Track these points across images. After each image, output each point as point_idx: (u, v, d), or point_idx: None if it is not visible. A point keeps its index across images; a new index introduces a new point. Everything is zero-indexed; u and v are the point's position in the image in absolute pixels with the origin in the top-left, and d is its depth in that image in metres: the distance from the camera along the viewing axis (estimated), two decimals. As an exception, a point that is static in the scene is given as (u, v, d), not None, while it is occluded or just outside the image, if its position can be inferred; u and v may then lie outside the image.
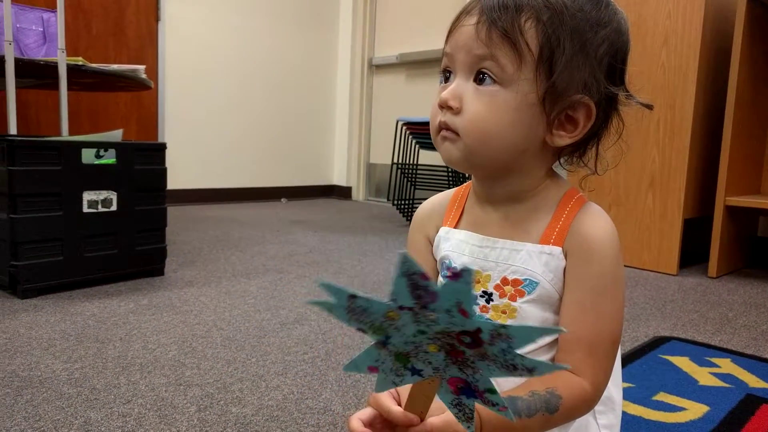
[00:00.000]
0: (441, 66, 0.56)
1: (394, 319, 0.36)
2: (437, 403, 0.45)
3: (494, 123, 0.51)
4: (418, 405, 0.44)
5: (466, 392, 0.39)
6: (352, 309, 0.36)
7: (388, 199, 3.19)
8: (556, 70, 0.50)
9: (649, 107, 0.57)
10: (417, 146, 2.96)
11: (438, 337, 0.36)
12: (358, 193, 4.08)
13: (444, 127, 0.53)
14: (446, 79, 0.55)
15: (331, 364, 1.08)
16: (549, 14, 0.50)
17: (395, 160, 3.01)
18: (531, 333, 0.34)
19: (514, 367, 0.35)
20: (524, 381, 0.53)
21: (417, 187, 3.02)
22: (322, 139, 4.11)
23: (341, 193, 4.14)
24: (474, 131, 0.52)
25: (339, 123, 4.13)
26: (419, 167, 2.99)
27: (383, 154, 3.80)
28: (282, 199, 3.82)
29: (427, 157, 2.99)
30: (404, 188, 3.03)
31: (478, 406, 0.48)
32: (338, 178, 4.18)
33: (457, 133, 0.52)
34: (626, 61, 0.57)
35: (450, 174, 2.85)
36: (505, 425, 0.48)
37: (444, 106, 0.53)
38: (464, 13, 0.54)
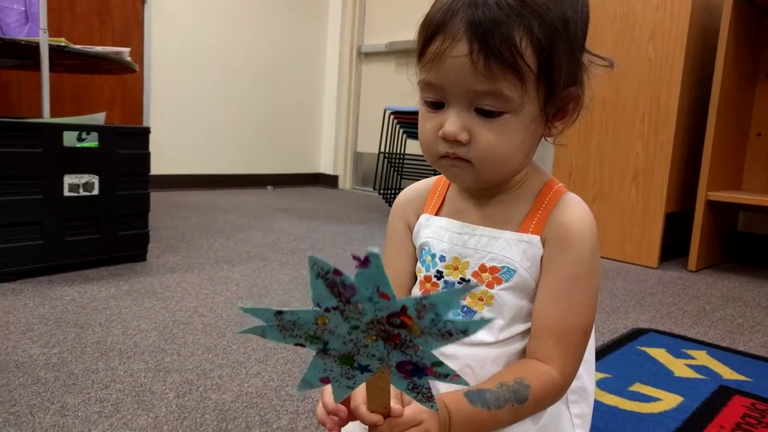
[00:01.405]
0: (422, 93, 0.52)
1: (326, 324, 0.36)
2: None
3: (508, 146, 0.51)
4: (378, 400, 0.44)
5: (417, 373, 0.39)
6: (283, 326, 0.37)
7: (374, 188, 3.19)
8: (554, 78, 0.50)
9: (611, 65, 0.56)
10: (404, 135, 2.96)
11: (371, 327, 0.36)
12: (345, 182, 4.07)
13: (453, 156, 0.52)
14: (433, 106, 0.52)
15: (313, 351, 1.08)
16: (537, 21, 0.47)
17: (382, 149, 3.01)
18: (451, 296, 0.34)
19: (449, 333, 0.36)
20: (493, 374, 0.54)
21: (403, 176, 3.02)
22: (310, 126, 4.08)
23: (328, 181, 4.13)
24: (489, 160, 0.51)
25: (327, 111, 4.11)
26: (406, 157, 2.98)
27: (371, 143, 3.79)
28: (268, 187, 3.80)
29: (414, 147, 2.99)
30: (391, 177, 3.03)
31: (447, 401, 0.48)
32: (325, 167, 4.17)
33: (468, 161, 0.51)
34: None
35: (437, 164, 2.85)
36: (474, 418, 0.49)
37: (452, 140, 0.50)
38: (444, 34, 0.48)
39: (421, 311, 0.35)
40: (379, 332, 0.36)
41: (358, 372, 0.40)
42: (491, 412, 0.49)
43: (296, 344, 0.38)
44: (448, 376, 0.39)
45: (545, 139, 0.58)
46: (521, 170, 0.56)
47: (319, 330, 0.37)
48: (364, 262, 0.32)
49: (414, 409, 0.45)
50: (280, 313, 0.35)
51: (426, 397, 0.41)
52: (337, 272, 0.33)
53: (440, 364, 0.38)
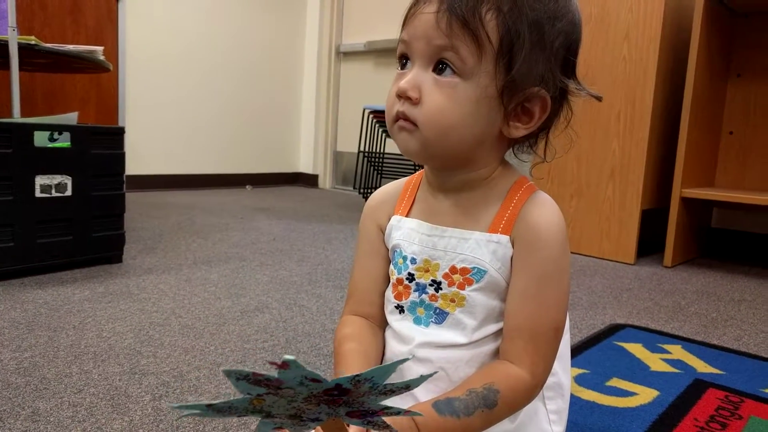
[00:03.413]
0: (397, 52, 0.55)
1: (263, 403, 0.36)
2: None
3: (453, 115, 0.51)
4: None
5: (368, 416, 0.39)
6: (219, 410, 0.36)
7: (354, 188, 3.18)
8: (515, 63, 0.50)
9: (599, 99, 0.57)
10: (383, 134, 2.96)
11: (309, 399, 0.36)
12: (325, 181, 4.05)
13: (402, 117, 0.53)
14: (403, 66, 0.55)
15: (291, 351, 1.07)
16: (509, 5, 0.50)
17: (362, 149, 3.00)
18: (386, 370, 0.35)
19: (391, 391, 0.36)
20: (463, 380, 0.54)
21: (383, 175, 3.02)
22: (289, 125, 4.06)
23: (307, 180, 4.11)
24: (433, 123, 0.51)
25: (305, 110, 4.09)
26: (385, 156, 2.98)
27: (350, 142, 3.79)
28: (247, 187, 3.77)
29: (393, 146, 2.98)
30: (370, 176, 3.02)
31: (416, 417, 0.48)
32: (304, 166, 4.15)
33: (415, 124, 0.52)
34: (578, 53, 0.57)
35: (415, 163, 2.85)
36: (443, 429, 0.49)
37: (403, 96, 0.52)
38: (422, 1, 0.53)
39: (357, 384, 0.35)
40: (320, 401, 0.37)
41: (309, 421, 0.40)
42: (461, 420, 0.50)
43: (238, 416, 0.37)
44: (400, 413, 0.39)
45: (513, 154, 0.59)
46: (474, 156, 0.55)
47: (257, 407, 0.37)
48: (283, 366, 0.32)
49: None
50: (210, 405, 0.35)
51: (383, 426, 0.41)
52: (256, 374, 0.33)
53: (389, 407, 0.38)
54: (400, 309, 0.59)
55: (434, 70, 0.51)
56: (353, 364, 0.56)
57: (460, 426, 0.50)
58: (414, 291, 0.58)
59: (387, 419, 0.44)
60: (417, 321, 0.58)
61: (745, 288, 1.76)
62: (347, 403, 0.37)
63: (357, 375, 0.34)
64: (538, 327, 0.53)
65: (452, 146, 0.53)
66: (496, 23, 0.50)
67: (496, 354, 0.56)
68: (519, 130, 0.54)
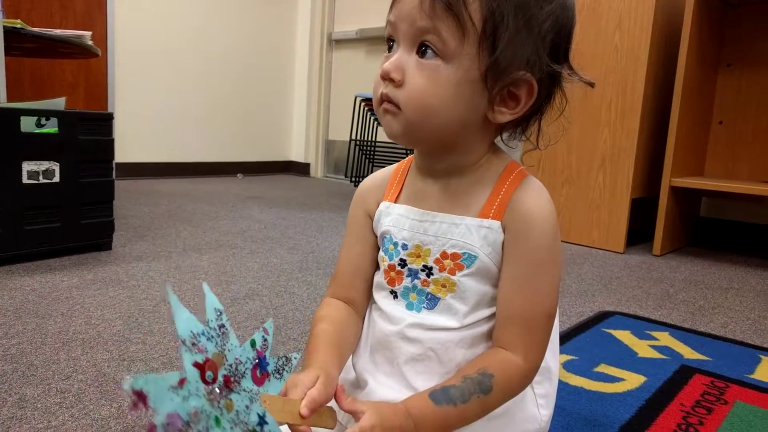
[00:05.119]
0: (385, 35, 0.55)
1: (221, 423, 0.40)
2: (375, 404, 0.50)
3: (435, 97, 0.51)
4: (292, 415, 0.47)
5: (262, 367, 0.45)
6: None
7: (346, 176, 3.18)
8: (498, 47, 0.50)
9: (591, 84, 0.57)
10: (375, 123, 2.95)
11: (213, 404, 0.40)
12: (317, 170, 4.04)
13: (386, 99, 0.52)
14: (390, 49, 0.54)
15: (281, 338, 1.07)
16: None
17: (353, 137, 2.99)
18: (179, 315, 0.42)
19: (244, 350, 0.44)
20: (456, 367, 0.54)
21: (375, 163, 3.01)
22: (280, 114, 4.04)
23: (299, 169, 4.09)
24: (415, 105, 0.51)
25: (297, 98, 4.06)
26: (377, 144, 2.98)
27: (342, 130, 3.77)
28: (238, 175, 3.75)
29: (385, 134, 2.98)
30: (362, 165, 3.02)
31: (413, 407, 0.50)
32: (296, 155, 4.13)
33: (398, 107, 0.52)
34: (571, 37, 0.56)
35: (407, 151, 2.85)
36: (441, 419, 0.50)
37: (386, 77, 0.52)
38: None
39: (198, 347, 0.41)
40: (220, 396, 0.40)
41: (263, 424, 0.42)
42: (458, 407, 0.50)
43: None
44: (255, 342, 0.45)
45: (502, 140, 0.58)
46: (459, 140, 0.55)
47: (234, 420, 0.40)
48: (139, 396, 0.35)
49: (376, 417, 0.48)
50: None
51: (286, 364, 0.46)
52: (170, 416, 0.36)
53: (252, 343, 0.45)
54: (394, 294, 0.59)
55: (417, 53, 0.51)
56: (324, 343, 0.56)
57: (457, 414, 0.50)
58: (407, 276, 0.58)
59: (387, 411, 0.48)
60: (409, 306, 0.58)
61: (733, 276, 1.78)
62: (232, 375, 0.41)
63: (179, 339, 0.40)
64: (531, 314, 0.53)
65: (435, 129, 0.53)
66: (479, 5, 0.49)
67: (488, 335, 0.56)
68: (504, 116, 0.53)
